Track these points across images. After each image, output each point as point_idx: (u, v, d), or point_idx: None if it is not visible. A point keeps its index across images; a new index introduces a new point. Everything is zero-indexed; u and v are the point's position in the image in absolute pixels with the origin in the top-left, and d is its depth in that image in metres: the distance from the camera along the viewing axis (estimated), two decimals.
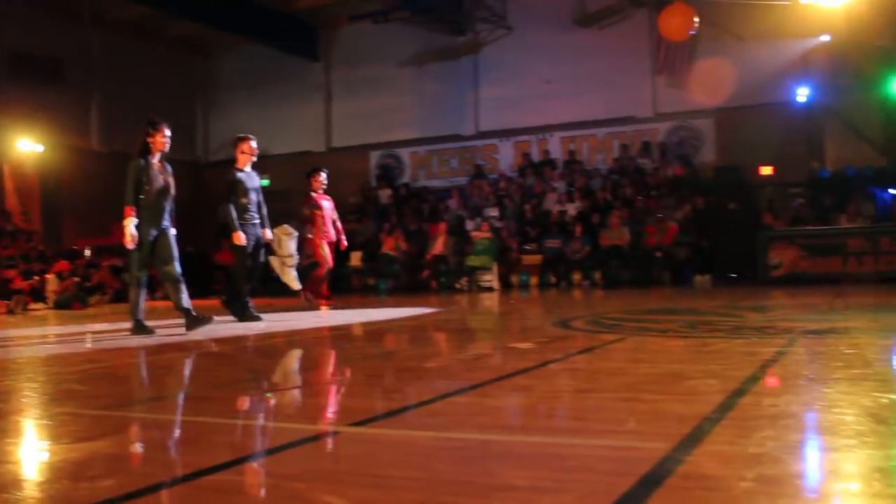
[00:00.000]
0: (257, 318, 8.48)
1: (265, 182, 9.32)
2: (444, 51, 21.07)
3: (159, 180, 6.90)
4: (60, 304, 15.43)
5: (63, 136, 19.90)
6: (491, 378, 3.95)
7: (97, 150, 20.90)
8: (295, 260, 10.15)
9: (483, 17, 20.16)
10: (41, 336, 8.50)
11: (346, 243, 10.74)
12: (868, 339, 5.02)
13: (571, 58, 19.26)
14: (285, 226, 10.02)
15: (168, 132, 6.97)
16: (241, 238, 8.38)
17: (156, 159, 6.93)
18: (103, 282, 17.44)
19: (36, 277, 16.08)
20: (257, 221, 8.65)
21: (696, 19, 15.70)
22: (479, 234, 16.66)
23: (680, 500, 1.78)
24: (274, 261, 9.92)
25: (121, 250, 18.35)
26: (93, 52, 20.69)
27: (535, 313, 9.65)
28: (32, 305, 15.34)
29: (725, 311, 7.78)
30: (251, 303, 8.71)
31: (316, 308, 10.29)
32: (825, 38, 16.68)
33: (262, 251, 8.87)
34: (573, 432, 2.62)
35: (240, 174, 8.62)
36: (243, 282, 8.63)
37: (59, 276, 16.42)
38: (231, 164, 8.78)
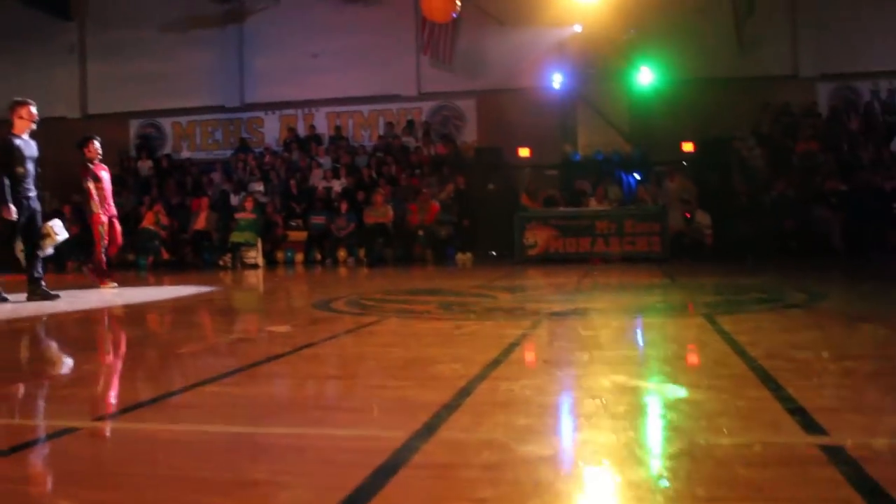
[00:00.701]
0: (54, 297, 8.00)
1: None
2: (209, 18, 20.41)
3: None
4: None
5: None
6: (244, 364, 3.93)
7: None
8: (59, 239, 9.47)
9: None
10: None
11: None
12: (605, 320, 5.42)
13: (339, 33, 19.24)
14: (54, 222, 9.20)
15: None
16: (11, 213, 7.80)
17: None
18: None
19: None
20: (33, 194, 8.13)
21: (459, 3, 16.12)
22: (243, 214, 16.34)
23: (410, 489, 1.88)
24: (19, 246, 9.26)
25: None
26: None
27: (298, 292, 9.65)
28: None
29: (481, 291, 8.04)
30: (43, 279, 8.21)
31: (97, 287, 9.75)
32: (578, 28, 17.56)
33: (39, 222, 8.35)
34: (317, 422, 2.67)
35: (17, 140, 8.03)
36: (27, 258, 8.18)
37: None
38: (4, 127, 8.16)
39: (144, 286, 10.98)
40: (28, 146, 8.18)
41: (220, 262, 15.87)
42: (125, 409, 3.02)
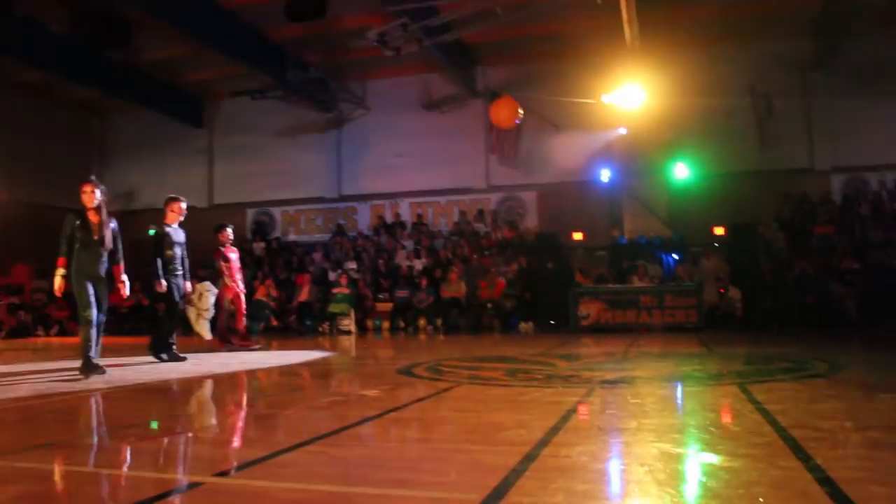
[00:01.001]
0: (182, 359, 8.32)
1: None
2: (313, 124, 21.01)
3: (97, 233, 6.64)
4: None
5: None
6: (339, 427, 3.94)
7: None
8: (210, 314, 9.99)
9: (345, 98, 20.31)
10: None
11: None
12: (650, 388, 5.28)
13: (420, 136, 19.66)
14: (207, 283, 9.83)
15: (89, 189, 6.66)
16: (162, 286, 8.34)
17: (93, 215, 6.65)
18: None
19: None
20: (180, 272, 8.63)
21: (521, 111, 16.43)
22: (339, 288, 16.55)
23: None
24: (191, 311, 9.71)
25: (18, 289, 17.48)
26: None
27: (385, 357, 9.65)
28: None
29: (541, 358, 7.95)
30: (175, 345, 8.55)
31: (242, 350, 10.04)
32: (623, 130, 17.63)
33: (182, 300, 8.91)
34: (402, 483, 2.64)
35: (168, 229, 8.63)
36: (167, 326, 8.51)
37: None
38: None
39: (274, 350, 11.00)
40: (176, 233, 8.73)
41: (320, 329, 16.00)
42: (243, 466, 3.02)
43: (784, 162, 17.39)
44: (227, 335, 10.33)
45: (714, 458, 2.93)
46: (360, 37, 15.29)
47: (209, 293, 9.87)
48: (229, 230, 10.42)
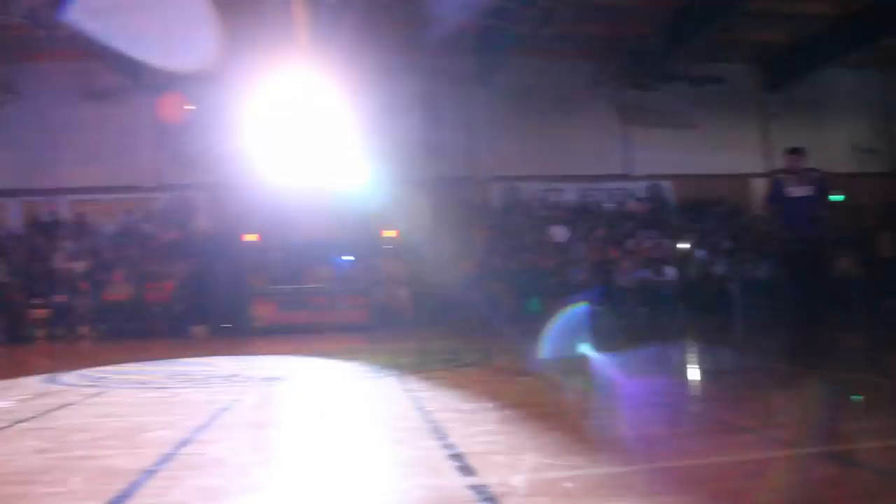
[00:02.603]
0: None
1: None
2: None
3: None
4: None
5: None
6: None
7: None
8: None
9: None
10: None
11: None
12: (311, 384, 5.30)
13: (82, 128, 17.98)
14: None
15: None
16: None
17: None
18: None
19: None
20: None
21: (191, 107, 15.76)
22: None
23: None
24: None
25: None
26: None
27: (33, 366, 8.69)
28: None
29: (206, 360, 7.66)
30: None
31: None
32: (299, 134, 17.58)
33: None
34: (13, 499, 2.35)
35: None
36: None
37: None
38: None
39: None
40: None
41: None
42: None
43: (450, 170, 18.57)
44: None
45: (360, 444, 2.98)
46: (5, 12, 13.65)
47: None
48: None
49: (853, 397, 4.04)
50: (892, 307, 13.38)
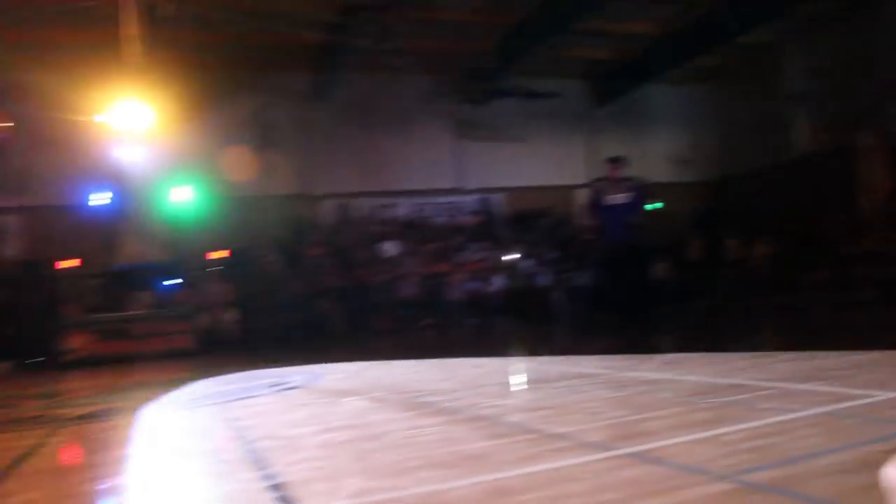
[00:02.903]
0: None
1: None
2: None
3: None
4: None
5: None
6: None
7: None
8: None
9: None
10: None
11: None
12: (125, 420, 5.00)
13: None
14: None
15: None
16: None
17: None
18: None
19: None
20: None
21: (6, 123, 14.65)
22: None
23: None
24: None
25: None
26: None
27: None
28: None
29: (7, 401, 7.08)
30: None
31: None
32: (124, 151, 16.57)
33: None
34: None
35: None
36: None
37: None
38: None
39: None
40: None
41: None
42: None
43: (283, 187, 18.29)
44: None
45: (175, 482, 2.85)
46: None
47: None
48: None
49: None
50: (701, 308, 14.40)
